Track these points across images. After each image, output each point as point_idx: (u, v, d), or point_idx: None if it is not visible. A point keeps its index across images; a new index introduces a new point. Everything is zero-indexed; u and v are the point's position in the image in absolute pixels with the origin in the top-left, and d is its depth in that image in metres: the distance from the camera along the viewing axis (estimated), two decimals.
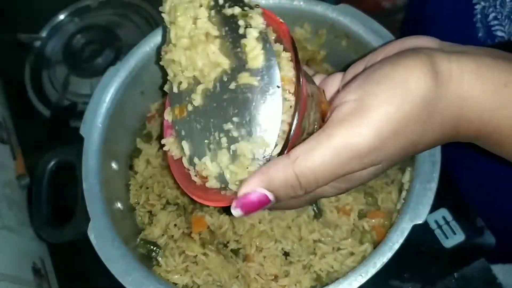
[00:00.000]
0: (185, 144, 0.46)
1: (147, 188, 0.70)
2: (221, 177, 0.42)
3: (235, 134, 0.41)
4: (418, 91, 0.36)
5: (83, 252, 0.60)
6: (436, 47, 0.41)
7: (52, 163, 0.70)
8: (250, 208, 0.39)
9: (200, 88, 0.44)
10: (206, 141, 0.43)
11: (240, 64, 0.41)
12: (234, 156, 0.41)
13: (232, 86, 0.41)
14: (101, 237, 0.57)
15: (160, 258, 0.63)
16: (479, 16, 0.67)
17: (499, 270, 0.70)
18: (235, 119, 0.41)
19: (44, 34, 1.05)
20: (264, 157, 0.40)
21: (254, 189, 0.38)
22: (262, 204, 0.39)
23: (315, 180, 0.37)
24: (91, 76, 0.97)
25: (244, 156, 0.40)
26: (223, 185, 0.42)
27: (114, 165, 0.68)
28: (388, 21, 0.69)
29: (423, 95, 0.36)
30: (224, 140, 0.42)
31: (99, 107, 0.66)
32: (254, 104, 0.40)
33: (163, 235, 0.65)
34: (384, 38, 0.63)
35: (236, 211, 0.39)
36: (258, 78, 0.40)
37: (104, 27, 1.03)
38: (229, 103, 0.42)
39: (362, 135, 0.36)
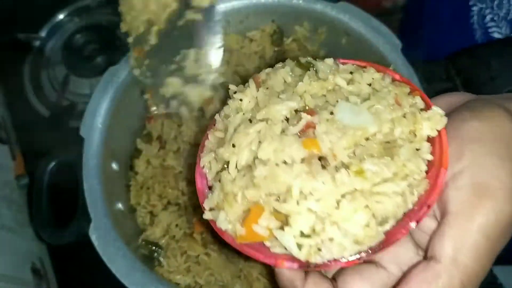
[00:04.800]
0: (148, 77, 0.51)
1: (148, 188, 0.70)
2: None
3: (183, 64, 0.45)
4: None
5: (82, 252, 0.60)
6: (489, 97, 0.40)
7: (52, 164, 0.70)
8: None
9: (154, 29, 0.50)
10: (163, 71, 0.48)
11: (186, 4, 0.47)
12: None
13: (181, 23, 0.47)
14: (103, 238, 0.57)
15: (162, 259, 0.63)
16: (476, 17, 0.68)
17: (500, 271, 0.70)
18: (183, 50, 0.46)
19: (43, 33, 1.05)
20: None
21: None
22: None
23: (476, 274, 0.33)
24: (91, 76, 0.97)
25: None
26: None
27: (114, 166, 0.68)
28: (389, 21, 0.68)
29: None
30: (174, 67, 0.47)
31: (98, 108, 0.66)
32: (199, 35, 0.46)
33: (164, 235, 0.65)
34: (384, 35, 0.64)
35: None
36: (202, 14, 0.46)
37: (103, 27, 1.03)
38: (178, 37, 0.48)
39: (504, 201, 0.33)
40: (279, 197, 0.34)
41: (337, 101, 0.36)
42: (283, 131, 0.35)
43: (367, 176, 0.33)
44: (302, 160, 0.34)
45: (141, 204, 0.68)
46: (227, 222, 0.36)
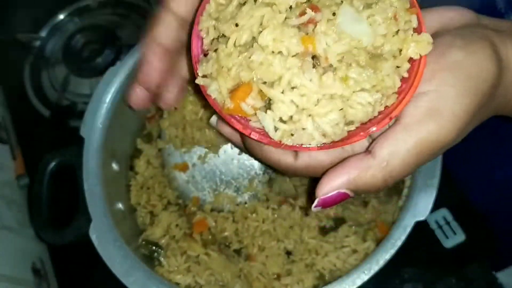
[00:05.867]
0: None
1: (148, 188, 0.70)
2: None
3: None
4: (488, 80, 0.38)
5: (82, 252, 0.60)
6: (485, 24, 0.42)
7: (52, 164, 0.70)
8: (330, 205, 0.40)
9: None
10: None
11: None
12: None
13: None
14: (103, 238, 0.57)
15: (162, 259, 0.63)
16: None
17: (500, 272, 0.70)
18: None
19: (43, 34, 1.05)
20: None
21: (338, 190, 0.39)
22: (342, 199, 0.39)
23: (399, 177, 0.39)
24: (91, 76, 0.96)
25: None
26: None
27: (114, 166, 0.68)
28: None
29: (491, 84, 0.38)
30: None
31: (99, 108, 0.66)
32: None
33: (164, 235, 0.65)
34: None
35: (316, 209, 0.40)
36: None
37: (104, 27, 1.02)
38: None
39: (448, 131, 0.37)
40: (268, 82, 0.37)
41: (342, 1, 0.38)
42: (285, 20, 0.37)
43: (349, 83, 0.36)
44: (297, 54, 0.37)
45: (141, 204, 0.68)
46: (217, 92, 0.39)
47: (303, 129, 0.38)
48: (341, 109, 0.37)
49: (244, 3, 0.39)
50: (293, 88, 0.37)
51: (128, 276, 0.54)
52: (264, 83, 0.37)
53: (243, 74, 0.37)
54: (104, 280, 0.56)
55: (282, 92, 0.37)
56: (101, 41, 1.00)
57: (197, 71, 0.41)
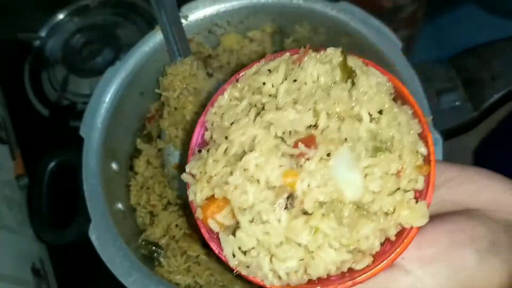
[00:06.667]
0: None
1: (148, 188, 0.69)
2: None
3: None
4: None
5: (82, 253, 0.60)
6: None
7: (52, 164, 0.70)
8: None
9: None
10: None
11: None
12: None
13: None
14: (103, 238, 0.57)
15: (162, 259, 0.63)
16: None
17: None
18: None
19: (43, 33, 1.05)
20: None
21: None
22: None
23: None
24: (91, 76, 0.97)
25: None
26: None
27: (114, 166, 0.68)
28: (389, 20, 0.68)
29: None
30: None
31: (98, 108, 0.66)
32: None
33: (164, 235, 0.65)
34: (384, 35, 0.63)
35: None
36: None
37: (103, 27, 1.03)
38: None
39: None
40: (241, 207, 0.35)
41: (346, 140, 0.35)
42: (278, 143, 0.35)
43: (318, 237, 0.33)
44: (274, 188, 0.35)
45: (141, 204, 0.68)
46: (194, 195, 0.38)
47: (259, 266, 0.35)
48: (302, 259, 0.34)
49: (255, 106, 0.38)
50: (259, 222, 0.35)
51: (128, 276, 0.54)
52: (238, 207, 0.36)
53: (217, 191, 0.36)
54: (104, 280, 0.56)
55: (252, 221, 0.35)
56: (100, 40, 1.00)
57: (186, 166, 0.40)
